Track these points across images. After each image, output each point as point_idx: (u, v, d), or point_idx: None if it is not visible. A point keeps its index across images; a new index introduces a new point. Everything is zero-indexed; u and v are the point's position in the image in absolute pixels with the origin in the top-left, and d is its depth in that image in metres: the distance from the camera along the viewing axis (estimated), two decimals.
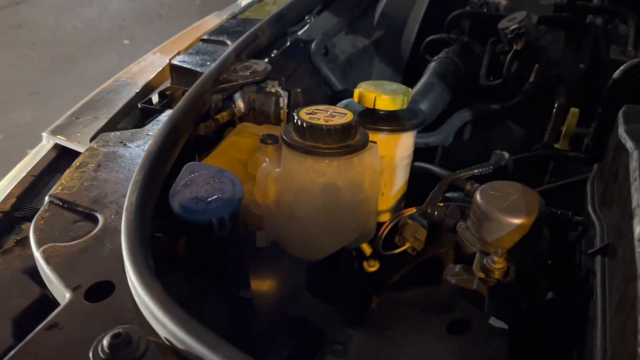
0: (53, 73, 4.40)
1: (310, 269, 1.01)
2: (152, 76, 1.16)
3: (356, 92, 0.97)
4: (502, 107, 1.16)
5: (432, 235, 0.92)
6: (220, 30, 1.29)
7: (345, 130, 0.84)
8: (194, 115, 0.96)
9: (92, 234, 0.71)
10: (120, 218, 0.71)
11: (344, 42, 1.37)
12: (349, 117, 0.87)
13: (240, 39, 1.16)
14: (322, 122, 0.84)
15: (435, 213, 0.86)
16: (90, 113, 1.06)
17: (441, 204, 0.90)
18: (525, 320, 0.78)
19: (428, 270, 1.00)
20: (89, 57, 4.60)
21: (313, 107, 0.89)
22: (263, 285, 0.98)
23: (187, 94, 0.97)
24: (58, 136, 0.99)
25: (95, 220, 0.74)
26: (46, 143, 1.03)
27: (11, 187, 0.93)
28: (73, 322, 0.59)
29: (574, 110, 0.98)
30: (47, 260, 0.67)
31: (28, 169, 0.96)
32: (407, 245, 0.92)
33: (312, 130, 0.83)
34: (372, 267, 1.03)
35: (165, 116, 0.98)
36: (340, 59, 1.32)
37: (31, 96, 4.11)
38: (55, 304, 0.68)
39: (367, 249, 1.01)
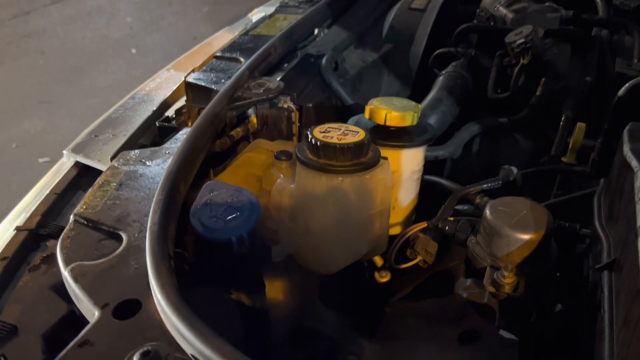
0: (63, 82, 4.46)
1: (324, 280, 1.04)
2: (168, 93, 1.20)
3: (367, 108, 1.00)
4: (509, 120, 1.18)
5: (442, 248, 0.94)
6: (233, 47, 1.32)
7: (357, 149, 0.87)
8: (210, 133, 0.99)
9: (117, 252, 0.74)
10: (144, 236, 0.74)
11: (353, 56, 1.40)
12: (361, 135, 0.89)
13: (253, 56, 1.20)
14: (335, 140, 0.87)
15: (447, 227, 0.89)
16: (109, 131, 1.09)
17: (452, 218, 0.93)
18: (534, 331, 0.81)
19: (438, 282, 1.02)
20: (98, 67, 4.66)
21: (326, 126, 0.92)
22: (278, 297, 1.01)
23: (203, 112, 1.00)
24: (79, 155, 1.02)
25: (119, 239, 0.77)
26: (67, 161, 1.06)
27: (35, 205, 0.96)
28: (103, 339, 0.62)
29: (581, 125, 1.01)
30: (76, 279, 0.70)
31: (50, 187, 0.99)
32: (419, 258, 0.94)
33: (326, 149, 0.86)
34: (384, 277, 1.05)
35: (182, 134, 1.01)
36: (350, 74, 1.35)
37: (42, 105, 4.17)
38: (83, 319, 0.71)
39: (378, 260, 1.04)
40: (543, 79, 1.19)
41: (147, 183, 0.88)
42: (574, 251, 0.91)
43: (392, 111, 0.98)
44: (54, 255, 0.84)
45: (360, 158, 0.88)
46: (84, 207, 0.83)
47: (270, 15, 1.52)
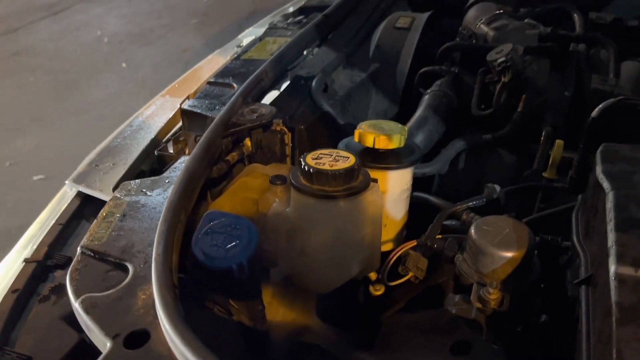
0: (54, 98, 4.49)
1: (321, 297, 1.08)
2: (164, 121, 1.24)
3: (356, 133, 1.05)
4: (493, 137, 1.24)
5: (432, 264, 0.99)
6: (225, 72, 1.37)
7: (348, 174, 0.92)
8: (207, 161, 1.04)
9: (124, 283, 0.78)
10: (148, 267, 0.79)
11: (342, 76, 1.45)
12: (351, 160, 0.94)
13: (246, 82, 1.24)
14: (327, 167, 0.92)
15: (435, 245, 0.94)
16: (109, 159, 1.14)
17: (440, 236, 0.98)
18: (521, 343, 0.85)
19: (430, 296, 1.07)
20: (89, 82, 4.69)
21: (318, 152, 0.97)
22: (277, 316, 1.05)
23: (200, 141, 1.04)
24: (81, 185, 1.07)
25: (125, 270, 0.82)
26: (69, 191, 1.10)
27: (41, 236, 1.00)
28: None
29: (559, 142, 1.06)
30: (87, 311, 0.74)
31: (55, 217, 1.03)
32: (410, 274, 0.99)
33: (319, 175, 0.91)
34: (378, 290, 1.10)
35: (180, 163, 1.06)
36: (339, 94, 1.40)
37: (34, 122, 4.19)
38: (94, 348, 0.76)
39: (372, 274, 1.09)
40: (524, 96, 1.24)
41: (149, 213, 0.93)
42: (556, 263, 0.96)
43: (379, 135, 1.03)
44: (62, 285, 0.88)
45: (352, 182, 0.93)
46: (90, 239, 0.87)
47: (260, 39, 1.56)
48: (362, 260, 1.00)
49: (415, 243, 0.97)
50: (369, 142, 1.03)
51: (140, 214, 0.93)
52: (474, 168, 1.24)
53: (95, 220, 0.91)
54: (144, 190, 0.98)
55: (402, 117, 1.41)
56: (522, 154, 1.24)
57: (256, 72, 1.29)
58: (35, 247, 0.97)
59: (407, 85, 1.49)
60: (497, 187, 1.00)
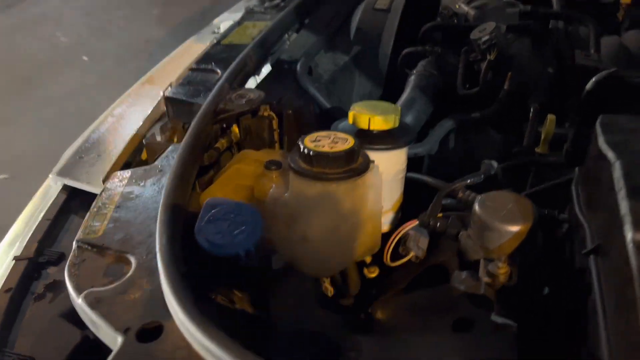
0: (14, 94, 4.32)
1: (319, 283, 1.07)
2: (148, 110, 1.20)
3: (350, 114, 1.04)
4: (481, 115, 1.24)
5: (431, 243, 0.99)
6: (207, 58, 1.34)
7: (349, 156, 0.90)
8: (199, 149, 1.01)
9: (128, 276, 0.75)
10: (152, 258, 0.76)
11: (325, 60, 1.43)
12: (350, 142, 0.93)
13: (231, 67, 1.21)
14: (327, 149, 0.91)
15: (438, 224, 0.94)
16: (93, 151, 1.09)
17: (440, 215, 0.98)
18: (531, 315, 0.86)
19: (428, 275, 1.07)
20: (49, 76, 4.54)
21: (315, 135, 0.95)
22: (279, 303, 1.03)
23: (190, 129, 1.02)
24: (67, 178, 1.02)
25: (127, 262, 0.79)
26: (53, 184, 1.06)
27: (29, 232, 0.96)
28: None
29: (551, 117, 1.07)
30: (92, 306, 0.71)
31: (41, 213, 0.98)
32: (411, 254, 0.99)
33: (319, 158, 0.90)
34: (372, 273, 1.10)
35: (171, 151, 1.02)
36: (324, 78, 1.38)
37: None
38: (100, 345, 0.73)
39: (367, 258, 1.08)
40: (509, 74, 1.24)
41: (144, 203, 0.90)
42: (554, 236, 0.97)
43: (375, 115, 1.01)
44: (57, 282, 0.85)
45: (352, 164, 0.92)
46: (86, 232, 0.83)
47: (239, 23, 1.53)
48: (363, 243, 0.99)
49: (417, 222, 0.96)
50: (363, 123, 1.02)
51: (135, 205, 0.89)
52: (463, 147, 1.25)
53: (88, 214, 0.87)
54: (136, 180, 0.95)
55: (386, 99, 1.40)
56: (509, 131, 1.25)
57: (240, 56, 1.26)
58: (24, 244, 0.92)
59: (390, 67, 1.48)
60: (495, 163, 1.00)
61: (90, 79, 4.49)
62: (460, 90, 1.31)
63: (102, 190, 0.93)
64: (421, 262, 1.00)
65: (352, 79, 1.45)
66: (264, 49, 1.34)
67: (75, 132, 1.22)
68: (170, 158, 1.00)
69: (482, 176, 1.00)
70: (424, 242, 0.99)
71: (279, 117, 1.22)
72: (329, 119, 1.26)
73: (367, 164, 0.93)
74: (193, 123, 1.04)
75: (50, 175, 1.05)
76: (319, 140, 0.93)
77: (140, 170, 0.97)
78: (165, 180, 0.91)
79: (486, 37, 1.27)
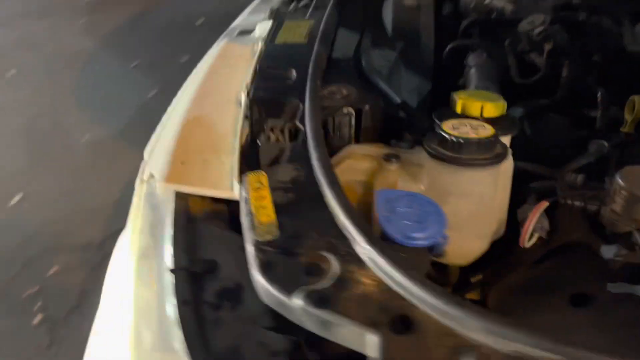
0: None
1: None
2: (229, 112, 1.15)
3: (459, 102, 1.06)
4: (550, 101, 1.30)
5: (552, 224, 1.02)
6: (270, 56, 1.30)
7: (493, 142, 0.93)
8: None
9: (334, 270, 0.72)
10: (351, 254, 0.74)
11: (376, 56, 1.44)
12: (489, 129, 0.95)
13: (312, 65, 1.19)
14: (472, 135, 0.92)
15: (576, 202, 0.97)
16: (194, 156, 1.04)
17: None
18: None
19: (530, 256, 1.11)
20: None
21: (451, 122, 0.97)
22: None
23: (310, 127, 0.99)
24: (184, 185, 0.96)
25: (322, 259, 0.75)
26: (160, 193, 0.99)
27: (157, 244, 0.89)
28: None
29: (638, 98, 1.14)
30: (318, 306, 0.67)
31: (165, 224, 0.92)
32: (536, 236, 1.02)
33: (468, 145, 0.91)
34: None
35: (293, 152, 0.99)
36: (383, 73, 1.38)
37: None
38: (316, 347, 0.70)
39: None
40: (566, 62, 1.32)
41: (305, 197, 0.86)
42: None
43: (487, 102, 1.04)
44: (227, 289, 0.80)
45: (495, 150, 0.94)
46: (259, 233, 0.79)
47: (279, 24, 1.50)
48: (498, 229, 1.01)
49: (548, 204, 1.00)
50: (475, 111, 1.05)
51: (296, 200, 0.86)
52: (535, 132, 1.30)
53: (246, 216, 0.83)
54: (279, 181, 0.91)
55: (436, 92, 1.43)
56: (572, 117, 1.32)
57: (314, 53, 1.24)
58: (163, 257, 0.86)
59: (435, 61, 1.51)
60: (605, 143, 1.06)
61: (21, 93, 4.18)
62: (517, 80, 1.36)
63: (248, 191, 0.87)
64: (543, 243, 1.04)
65: (400, 75, 1.46)
66: (327, 46, 1.33)
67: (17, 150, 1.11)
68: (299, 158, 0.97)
69: (593, 157, 1.05)
70: (546, 222, 1.02)
71: (357, 114, 1.21)
72: (399, 114, 1.27)
73: (506, 149, 0.96)
74: (308, 121, 1.02)
75: (157, 183, 0.98)
76: (459, 128, 0.94)
77: (276, 169, 0.94)
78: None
79: (541, 29, 1.34)
